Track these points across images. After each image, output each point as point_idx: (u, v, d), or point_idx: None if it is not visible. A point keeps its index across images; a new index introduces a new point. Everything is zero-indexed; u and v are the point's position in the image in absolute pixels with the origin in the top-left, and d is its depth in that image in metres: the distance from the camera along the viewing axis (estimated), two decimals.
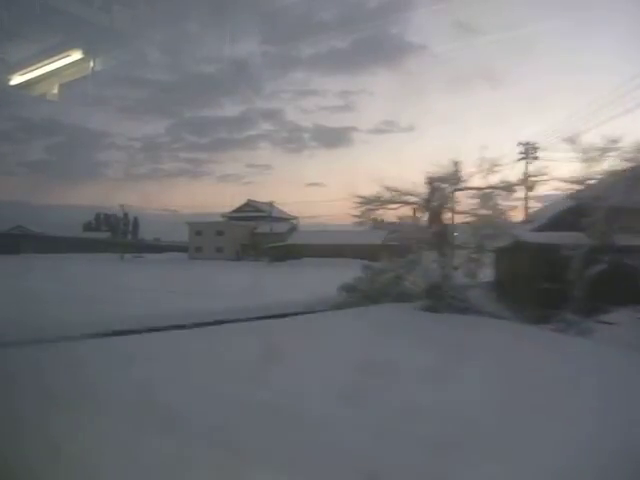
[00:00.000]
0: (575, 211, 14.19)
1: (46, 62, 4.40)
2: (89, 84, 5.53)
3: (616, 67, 22.22)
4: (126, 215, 63.88)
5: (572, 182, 14.66)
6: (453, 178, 15.23)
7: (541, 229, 15.86)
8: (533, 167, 20.69)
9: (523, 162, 23.85)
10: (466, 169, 15.19)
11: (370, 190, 16.15)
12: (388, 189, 15.72)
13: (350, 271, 16.98)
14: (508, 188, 15.26)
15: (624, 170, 13.61)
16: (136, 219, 71.46)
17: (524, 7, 22.59)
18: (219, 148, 63.90)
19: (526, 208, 21.79)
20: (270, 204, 53.68)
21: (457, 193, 15.66)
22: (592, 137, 14.54)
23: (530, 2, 21.78)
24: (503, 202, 15.21)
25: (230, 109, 79.47)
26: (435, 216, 15.65)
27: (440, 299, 14.23)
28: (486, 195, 15.02)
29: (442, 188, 15.39)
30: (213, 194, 79.07)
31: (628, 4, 14.51)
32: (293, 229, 55.01)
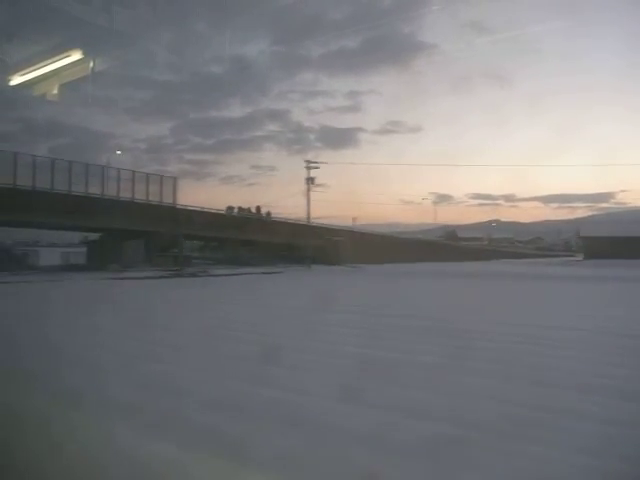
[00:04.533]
0: None
1: (46, 62, 4.39)
2: (91, 85, 5.53)
3: None
4: (258, 208, 59.58)
5: None
6: None
7: None
8: None
9: None
10: None
11: None
12: None
13: None
14: None
15: None
16: (269, 213, 66.31)
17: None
18: (224, 149, 61.01)
19: None
20: None
21: None
22: None
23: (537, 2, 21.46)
24: None
25: (236, 110, 79.92)
26: None
27: None
28: None
29: None
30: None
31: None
32: None
